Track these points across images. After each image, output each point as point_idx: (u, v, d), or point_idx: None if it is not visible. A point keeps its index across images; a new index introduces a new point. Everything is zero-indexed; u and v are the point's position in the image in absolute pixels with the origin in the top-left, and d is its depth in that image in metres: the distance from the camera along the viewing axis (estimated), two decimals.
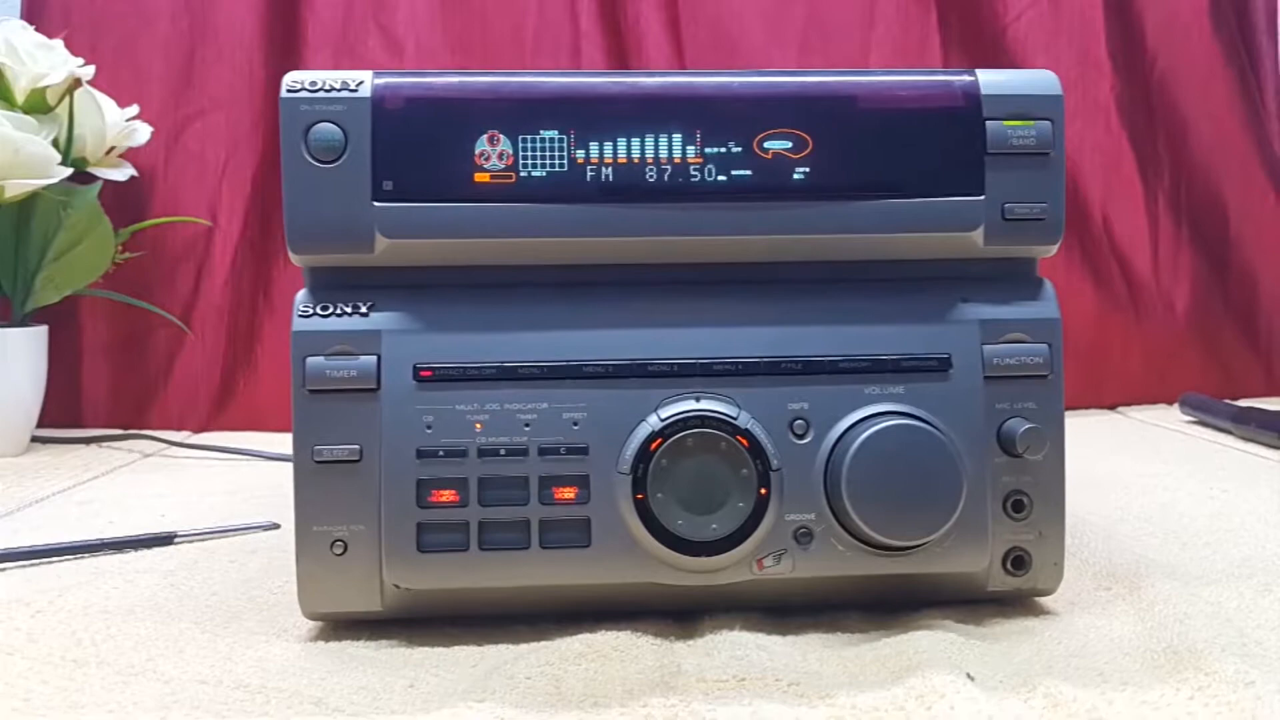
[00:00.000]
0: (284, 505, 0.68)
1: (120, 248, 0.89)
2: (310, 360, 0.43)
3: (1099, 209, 0.99)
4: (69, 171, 0.79)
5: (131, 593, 0.50)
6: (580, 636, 0.42)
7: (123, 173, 0.87)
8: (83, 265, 0.84)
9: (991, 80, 0.44)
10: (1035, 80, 0.44)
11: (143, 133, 0.88)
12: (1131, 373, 1.00)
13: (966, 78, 0.44)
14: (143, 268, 0.94)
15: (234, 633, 0.44)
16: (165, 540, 0.58)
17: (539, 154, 0.43)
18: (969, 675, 0.37)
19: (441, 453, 0.42)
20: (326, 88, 0.42)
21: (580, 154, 0.43)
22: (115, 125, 0.84)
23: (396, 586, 0.42)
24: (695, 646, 0.41)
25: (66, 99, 0.81)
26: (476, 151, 0.43)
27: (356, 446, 0.42)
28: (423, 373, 0.42)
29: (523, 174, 0.43)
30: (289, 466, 0.40)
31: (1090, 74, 1.00)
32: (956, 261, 0.45)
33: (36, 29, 0.83)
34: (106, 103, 0.85)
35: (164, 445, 0.89)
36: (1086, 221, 0.99)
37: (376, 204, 0.42)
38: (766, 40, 0.95)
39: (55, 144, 0.79)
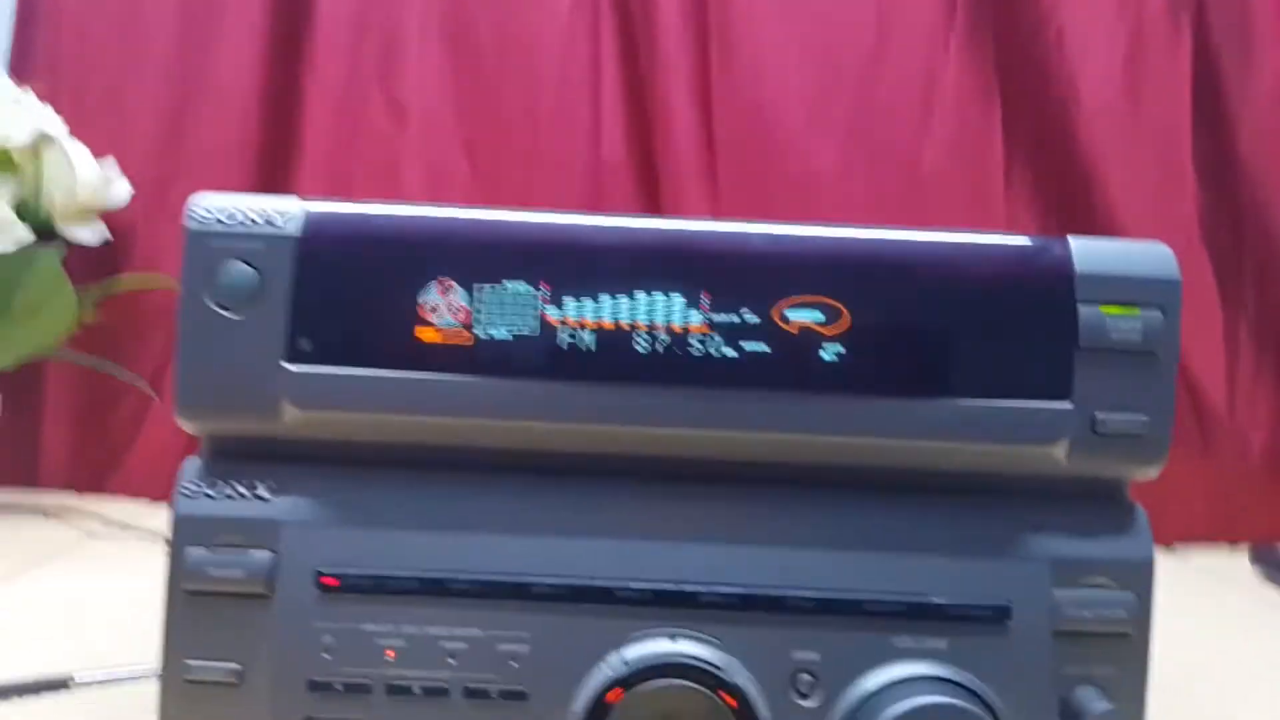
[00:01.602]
0: None
1: (95, 304, 0.82)
2: (190, 551, 0.33)
3: None
4: (30, 238, 0.72)
5: None
6: None
7: (94, 233, 0.79)
8: (41, 332, 0.76)
9: (1089, 252, 0.34)
10: (1146, 256, 0.35)
11: (120, 192, 0.80)
12: (1195, 511, 0.89)
13: (1057, 247, 0.34)
14: (115, 327, 0.86)
15: None
16: (61, 684, 0.49)
17: (501, 310, 0.34)
18: None
19: (340, 687, 0.33)
20: (245, 220, 0.34)
21: (553, 313, 0.34)
22: (88, 184, 0.77)
23: None
24: None
25: (35, 154, 0.73)
26: (421, 301, 0.34)
27: (237, 666, 0.33)
28: (325, 580, 0.33)
29: (480, 334, 0.34)
30: None
31: (1171, 184, 0.90)
32: (1027, 475, 0.35)
33: (21, 76, 0.76)
34: (82, 157, 0.77)
35: (114, 525, 0.80)
36: None
37: (287, 366, 0.33)
38: (808, 126, 0.86)
39: (23, 203, 0.72)
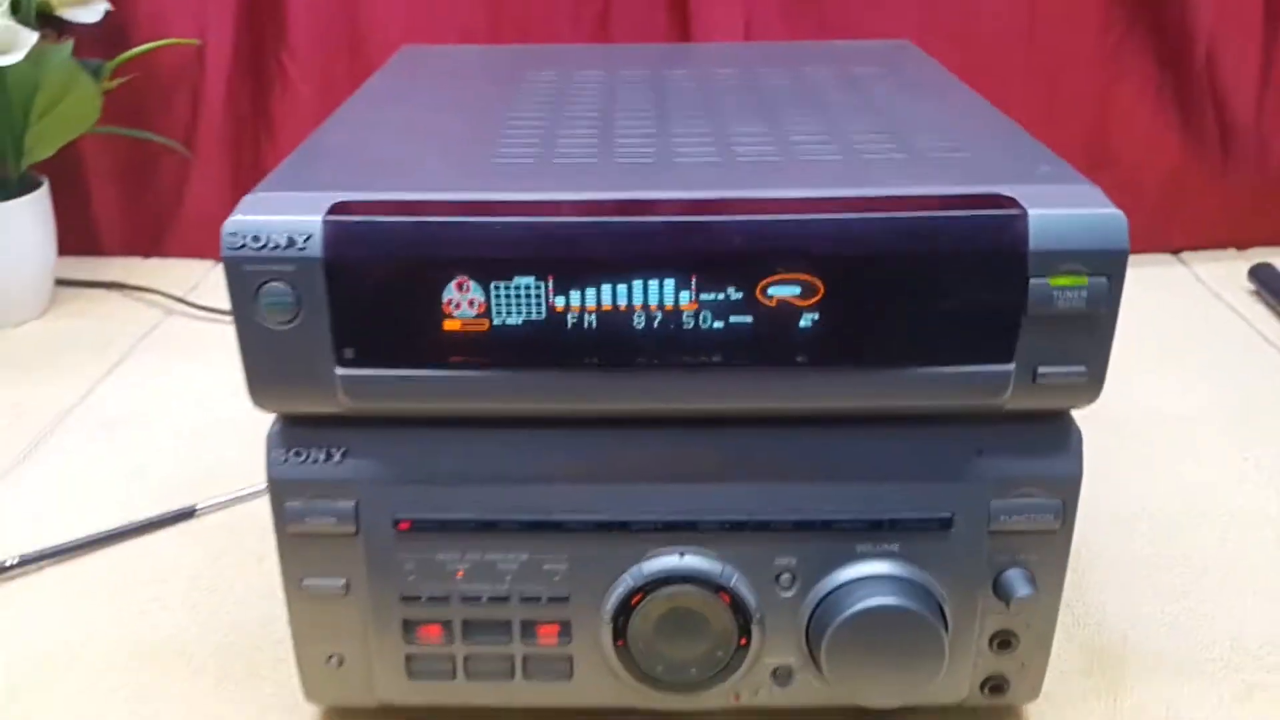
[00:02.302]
0: None
1: (110, 76, 0.83)
2: (289, 505, 0.42)
3: (1204, 44, 0.85)
4: (35, 38, 0.72)
5: (158, 624, 0.53)
6: None
7: (93, 11, 0.78)
8: (69, 120, 0.79)
9: (1045, 224, 0.37)
10: (1097, 226, 0.37)
11: None
12: (1207, 218, 0.92)
13: (1017, 221, 0.37)
14: (138, 95, 0.88)
15: (251, 698, 0.48)
16: (187, 514, 0.61)
17: (513, 301, 0.38)
18: None
19: (424, 599, 0.42)
20: (272, 244, 0.37)
21: (560, 301, 0.38)
22: None
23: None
24: None
25: None
26: (445, 299, 0.38)
27: (343, 580, 0.43)
28: (401, 525, 0.42)
29: (496, 322, 0.38)
30: None
31: None
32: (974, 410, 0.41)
33: None
34: None
35: (182, 303, 0.88)
36: (1188, 58, 0.86)
37: (339, 370, 0.39)
38: None
39: (14, 2, 0.71)
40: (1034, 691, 0.45)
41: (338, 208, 0.38)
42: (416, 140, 0.48)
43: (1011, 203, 0.38)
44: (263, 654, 0.51)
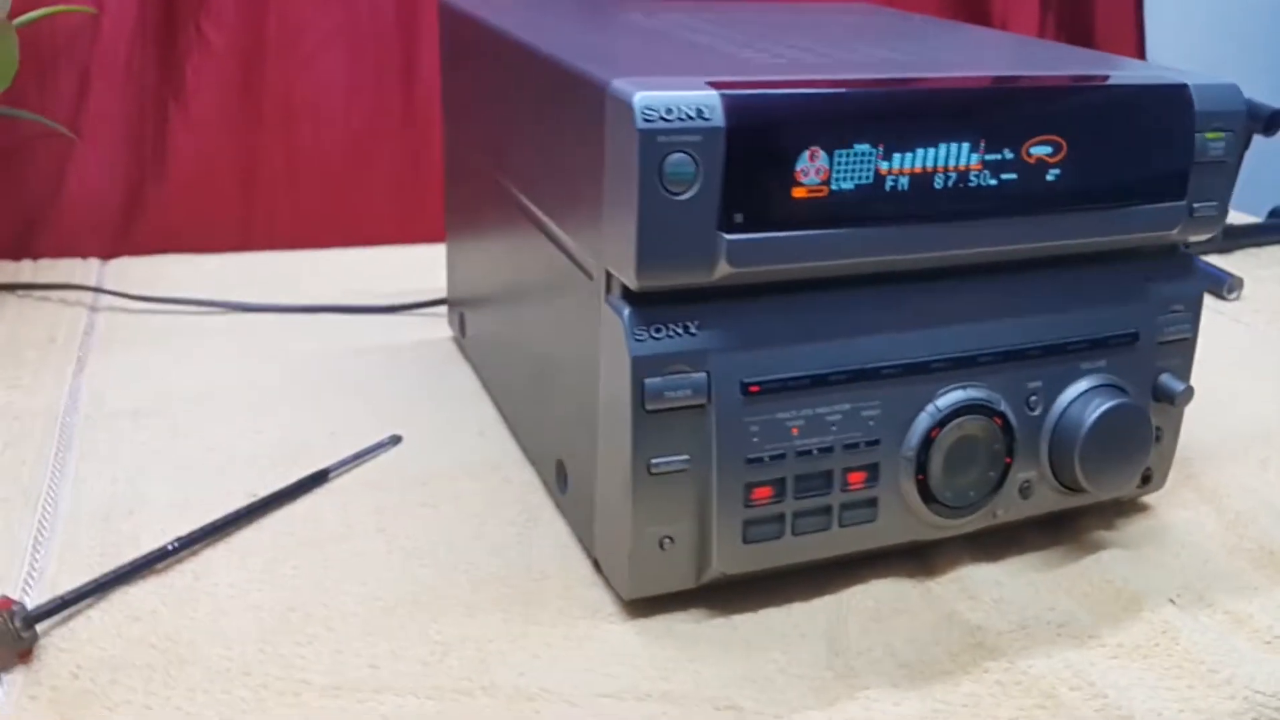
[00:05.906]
0: (328, 384, 0.65)
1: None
2: (649, 382, 0.43)
3: (1000, 15, 1.11)
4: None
5: (396, 573, 0.50)
6: (857, 589, 0.50)
7: None
8: None
9: (1200, 92, 0.49)
10: (1226, 94, 0.50)
11: None
12: None
13: (1184, 91, 0.49)
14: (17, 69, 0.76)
15: (550, 618, 0.47)
16: (321, 478, 0.56)
17: (850, 168, 0.43)
18: (1172, 600, 0.50)
19: (766, 459, 0.46)
20: (680, 116, 0.40)
21: (884, 165, 0.44)
22: None
23: (722, 573, 0.47)
24: (949, 586, 0.51)
25: None
26: (798, 168, 0.43)
27: (687, 456, 0.45)
28: (751, 389, 0.45)
29: (834, 187, 0.43)
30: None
31: None
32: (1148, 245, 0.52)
33: None
34: None
35: (105, 295, 0.77)
36: (989, 25, 1.09)
37: (725, 235, 0.42)
38: None
39: None
40: (1163, 480, 0.57)
41: (720, 85, 0.41)
42: (664, 49, 0.51)
43: (1177, 79, 0.50)
44: (509, 581, 0.49)
